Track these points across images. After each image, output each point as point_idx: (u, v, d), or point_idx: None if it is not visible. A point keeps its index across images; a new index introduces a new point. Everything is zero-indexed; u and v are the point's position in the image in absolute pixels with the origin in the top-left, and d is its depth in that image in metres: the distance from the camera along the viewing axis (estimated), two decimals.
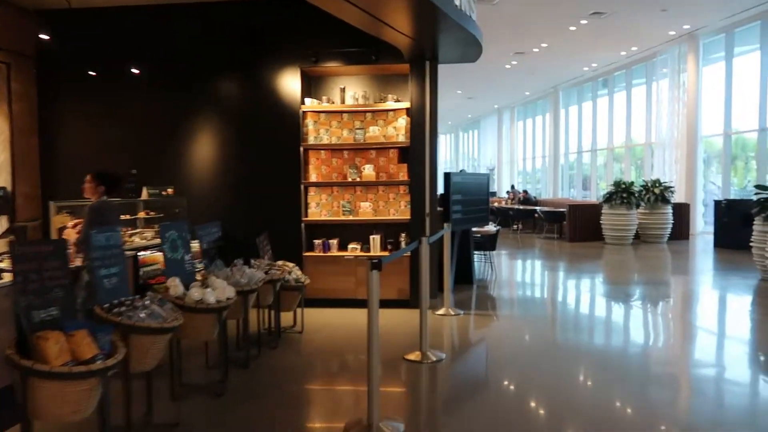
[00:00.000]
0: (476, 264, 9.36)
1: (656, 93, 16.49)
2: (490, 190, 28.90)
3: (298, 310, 5.64)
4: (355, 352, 5.05)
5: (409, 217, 6.46)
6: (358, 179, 6.62)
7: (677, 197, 13.74)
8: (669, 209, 12.89)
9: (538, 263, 11.11)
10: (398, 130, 6.54)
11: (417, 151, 6.35)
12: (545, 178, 23.95)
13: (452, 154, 38.83)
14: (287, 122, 6.51)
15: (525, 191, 18.63)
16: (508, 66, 17.76)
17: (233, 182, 6.68)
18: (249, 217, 6.49)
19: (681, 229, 13.46)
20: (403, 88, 6.56)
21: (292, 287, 5.28)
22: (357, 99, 6.61)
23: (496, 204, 18.58)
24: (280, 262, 5.49)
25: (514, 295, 7.75)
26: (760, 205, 7.72)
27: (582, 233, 13.35)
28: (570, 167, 22.59)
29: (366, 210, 6.62)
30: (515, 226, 16.59)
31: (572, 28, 13.62)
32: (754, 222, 8.10)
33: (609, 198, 12.65)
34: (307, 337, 5.46)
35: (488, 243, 8.69)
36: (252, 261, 4.91)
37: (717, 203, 12.07)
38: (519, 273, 9.99)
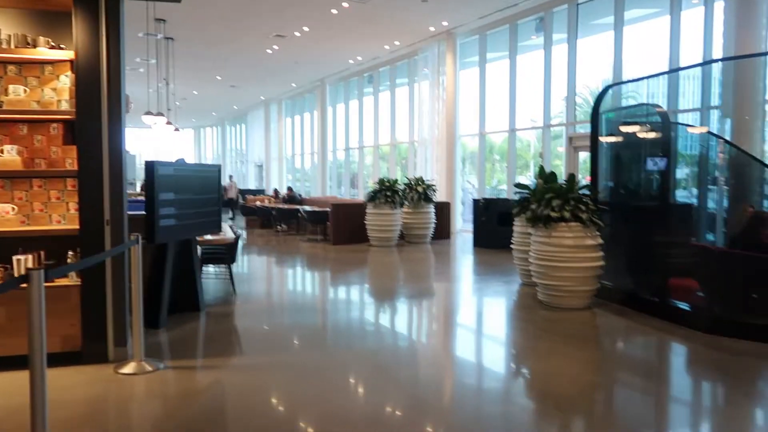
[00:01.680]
0: (211, 283, 7.44)
1: (418, 91, 16.35)
2: (258, 188, 26.98)
3: None
4: None
5: (79, 227, 4.25)
6: None
7: (439, 196, 13.51)
8: (432, 208, 12.50)
9: (295, 274, 9.56)
10: (61, 93, 4.26)
11: (88, 127, 4.16)
12: (314, 175, 22.90)
13: (218, 149, 35.91)
14: None
15: (289, 188, 17.13)
16: (269, 50, 16.06)
17: None
18: None
19: (443, 228, 13.24)
20: (69, 30, 4.29)
21: None
22: None
23: (258, 203, 16.78)
24: None
25: (255, 325, 5.93)
26: (520, 205, 7.19)
27: (347, 235, 12.26)
28: (339, 165, 21.85)
29: (8, 217, 4.21)
30: (278, 227, 14.97)
31: (334, 11, 12.44)
32: (515, 223, 7.61)
33: (373, 197, 11.73)
34: None
35: (226, 254, 6.81)
36: None
37: (476, 202, 11.96)
38: (269, 289, 8.25)
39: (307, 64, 18.18)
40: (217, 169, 6.04)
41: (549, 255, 6.10)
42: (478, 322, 6.37)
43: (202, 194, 5.64)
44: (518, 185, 7.62)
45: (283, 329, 5.79)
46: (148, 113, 11.57)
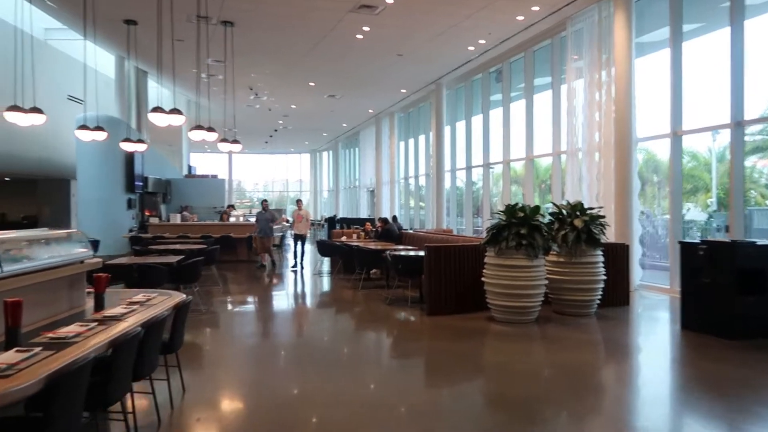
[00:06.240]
0: None
1: (567, 85, 11.22)
2: (369, 216, 22.67)
3: None
4: None
5: None
6: None
7: (607, 233, 8.30)
8: (600, 256, 7.34)
9: (304, 400, 4.89)
10: None
11: None
12: (429, 202, 18.35)
13: (331, 175, 32.87)
14: None
15: (384, 219, 12.62)
16: (359, 36, 11.99)
17: None
18: None
19: (617, 287, 7.98)
20: None
21: None
22: None
23: (344, 238, 12.52)
24: None
25: None
26: None
27: (451, 298, 7.49)
28: (460, 190, 17.10)
29: None
30: (362, 273, 10.46)
31: None
32: None
33: (496, 237, 6.85)
34: None
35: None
36: None
37: (686, 248, 6.54)
38: None
39: (414, 59, 13.86)
40: None
41: None
42: None
43: None
44: None
45: None
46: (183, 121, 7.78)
